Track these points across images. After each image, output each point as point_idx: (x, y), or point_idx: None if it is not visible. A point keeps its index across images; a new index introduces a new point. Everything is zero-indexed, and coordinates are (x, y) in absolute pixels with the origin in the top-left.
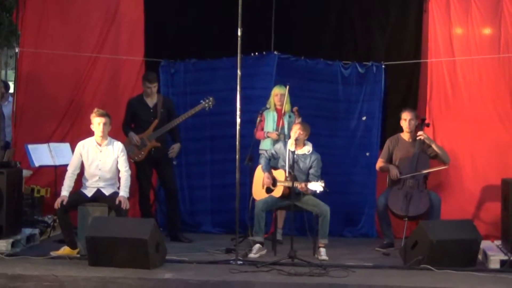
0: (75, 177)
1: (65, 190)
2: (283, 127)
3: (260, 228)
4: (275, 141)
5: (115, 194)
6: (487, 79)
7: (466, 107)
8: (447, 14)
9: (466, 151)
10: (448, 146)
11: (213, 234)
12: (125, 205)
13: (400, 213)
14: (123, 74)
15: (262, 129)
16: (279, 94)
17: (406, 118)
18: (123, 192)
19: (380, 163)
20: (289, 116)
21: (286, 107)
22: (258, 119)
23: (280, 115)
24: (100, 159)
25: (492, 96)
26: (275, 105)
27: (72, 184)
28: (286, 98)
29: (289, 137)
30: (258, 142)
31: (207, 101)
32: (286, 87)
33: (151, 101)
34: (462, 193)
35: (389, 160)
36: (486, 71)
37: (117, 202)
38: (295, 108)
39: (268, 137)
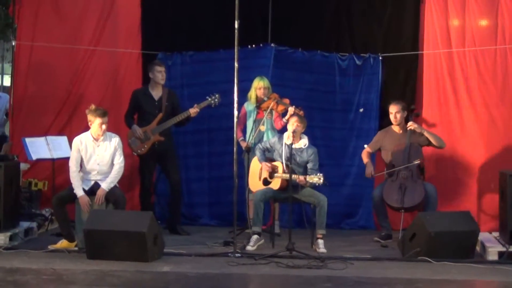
0: (80, 173)
1: (79, 189)
2: (261, 119)
3: (259, 218)
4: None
5: (114, 186)
6: (485, 70)
7: (463, 99)
8: (444, 5)
9: (464, 143)
10: (446, 137)
11: (211, 227)
12: (100, 200)
13: (396, 205)
14: (120, 67)
15: (244, 124)
16: (262, 88)
17: (392, 112)
18: (106, 184)
19: (365, 152)
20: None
21: (272, 104)
22: (241, 112)
23: (261, 108)
24: (98, 154)
25: (489, 88)
26: (256, 98)
27: (81, 181)
28: (275, 97)
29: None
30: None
31: (213, 97)
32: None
33: (156, 93)
34: (458, 185)
35: (376, 150)
36: (484, 62)
37: (96, 199)
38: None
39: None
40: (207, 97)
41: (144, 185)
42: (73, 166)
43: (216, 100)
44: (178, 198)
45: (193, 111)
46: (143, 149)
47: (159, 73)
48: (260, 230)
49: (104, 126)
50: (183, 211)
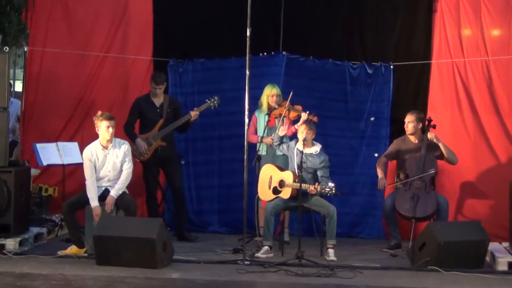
0: (96, 182)
1: (94, 201)
2: (273, 127)
3: (270, 232)
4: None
5: (124, 193)
6: (497, 80)
7: (475, 108)
8: (456, 14)
9: (475, 152)
10: (456, 145)
11: (221, 234)
12: (110, 207)
13: (408, 215)
14: (131, 73)
15: (255, 129)
16: (275, 95)
17: (405, 121)
18: (114, 191)
19: (380, 163)
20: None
21: (285, 111)
22: (252, 120)
23: (272, 115)
24: (108, 161)
25: (501, 98)
26: (268, 104)
27: (97, 191)
28: (287, 104)
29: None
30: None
31: (212, 100)
32: (290, 93)
33: (158, 100)
34: (469, 194)
35: (392, 159)
36: (496, 72)
37: (106, 207)
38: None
39: (262, 142)
40: (206, 100)
41: (150, 191)
42: (88, 177)
43: (215, 102)
44: (182, 205)
45: (193, 113)
46: (145, 155)
47: (154, 89)
48: (271, 244)
49: (111, 129)
50: (193, 218)
